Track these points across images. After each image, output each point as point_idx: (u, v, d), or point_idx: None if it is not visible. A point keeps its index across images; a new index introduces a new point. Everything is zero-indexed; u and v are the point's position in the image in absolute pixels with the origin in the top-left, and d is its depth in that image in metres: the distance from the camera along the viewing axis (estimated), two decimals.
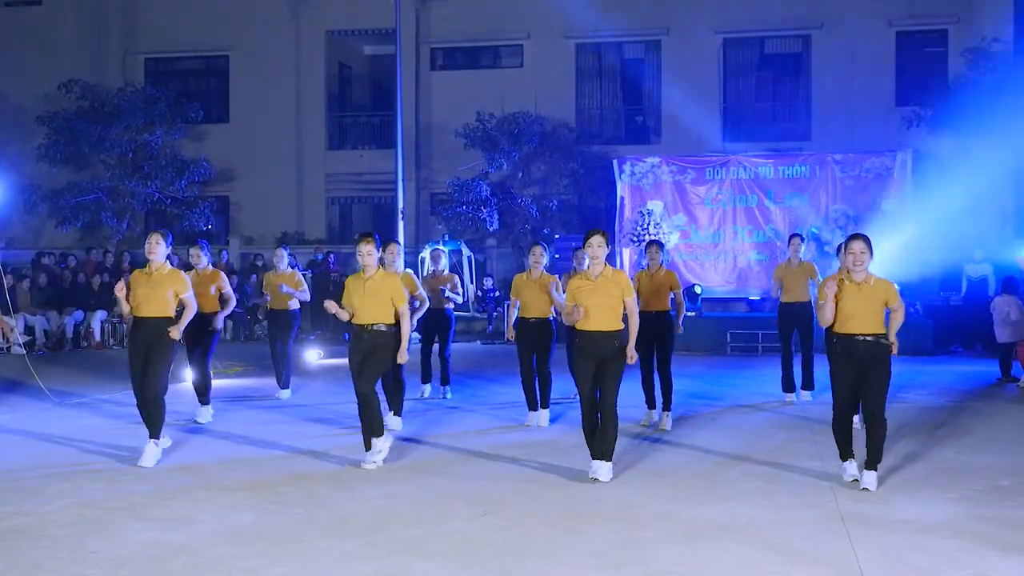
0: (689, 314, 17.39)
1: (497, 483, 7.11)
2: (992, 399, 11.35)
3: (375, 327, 7.69)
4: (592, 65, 24.64)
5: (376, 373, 7.75)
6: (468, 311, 19.55)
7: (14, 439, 8.90)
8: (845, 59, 22.81)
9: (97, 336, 17.56)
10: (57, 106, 22.69)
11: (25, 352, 14.56)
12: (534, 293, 9.58)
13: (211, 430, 9.31)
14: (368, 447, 7.67)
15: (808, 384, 11.09)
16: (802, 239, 11.35)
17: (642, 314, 9.60)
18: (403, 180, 21.73)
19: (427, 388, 11.47)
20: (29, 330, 16.62)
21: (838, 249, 10.05)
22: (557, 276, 9.85)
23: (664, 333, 9.67)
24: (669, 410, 9.56)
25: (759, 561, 5.32)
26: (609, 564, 5.27)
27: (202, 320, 9.62)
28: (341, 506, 6.48)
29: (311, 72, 25.20)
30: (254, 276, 19.17)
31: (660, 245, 10.05)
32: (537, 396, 9.69)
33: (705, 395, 11.62)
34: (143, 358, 7.94)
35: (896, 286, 7.26)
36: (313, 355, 14.99)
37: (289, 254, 11.78)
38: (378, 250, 7.90)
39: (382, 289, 7.70)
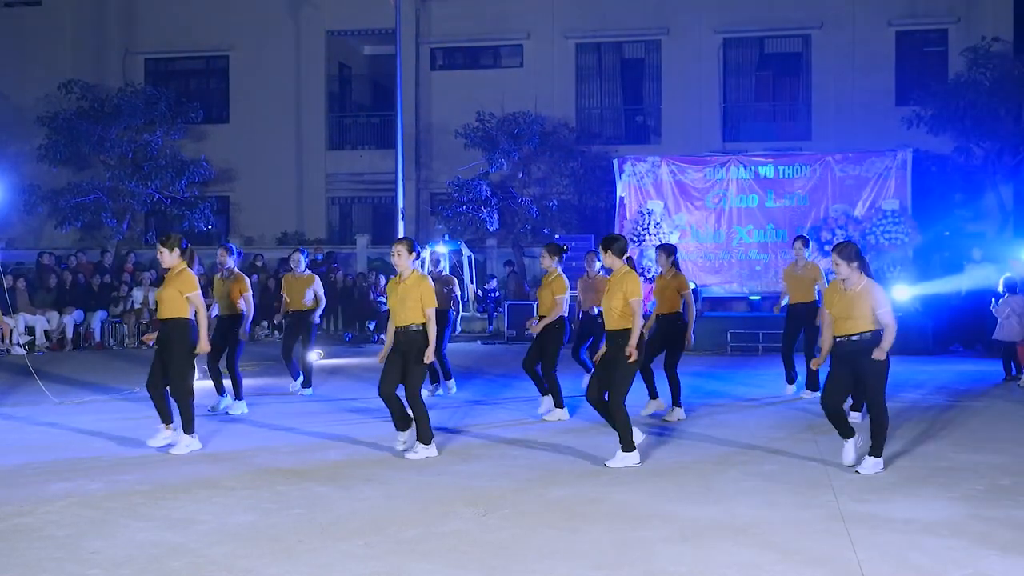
0: None
1: (497, 482, 7.11)
2: (992, 398, 11.33)
3: (410, 327, 7.95)
4: (592, 65, 24.66)
5: (419, 376, 7.99)
6: (469, 311, 19.56)
7: (14, 439, 8.90)
8: (845, 59, 22.84)
9: (97, 336, 17.58)
10: (57, 106, 22.71)
11: (25, 352, 14.57)
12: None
13: (213, 430, 9.31)
14: (411, 437, 8.09)
15: (813, 385, 11.05)
16: (805, 242, 11.35)
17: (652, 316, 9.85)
18: (403, 180, 21.74)
19: (436, 388, 11.52)
20: (29, 330, 16.63)
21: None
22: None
23: (672, 335, 9.82)
24: (679, 404, 9.86)
25: (759, 560, 5.32)
26: (608, 564, 5.27)
27: (229, 323, 10.05)
28: (341, 506, 6.48)
29: (311, 72, 25.22)
30: (255, 276, 19.17)
31: (669, 249, 10.13)
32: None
33: (706, 394, 11.61)
34: (162, 360, 8.20)
35: (880, 291, 7.40)
36: (314, 355, 14.98)
37: (306, 256, 11.84)
38: (412, 253, 8.08)
39: (413, 292, 7.95)
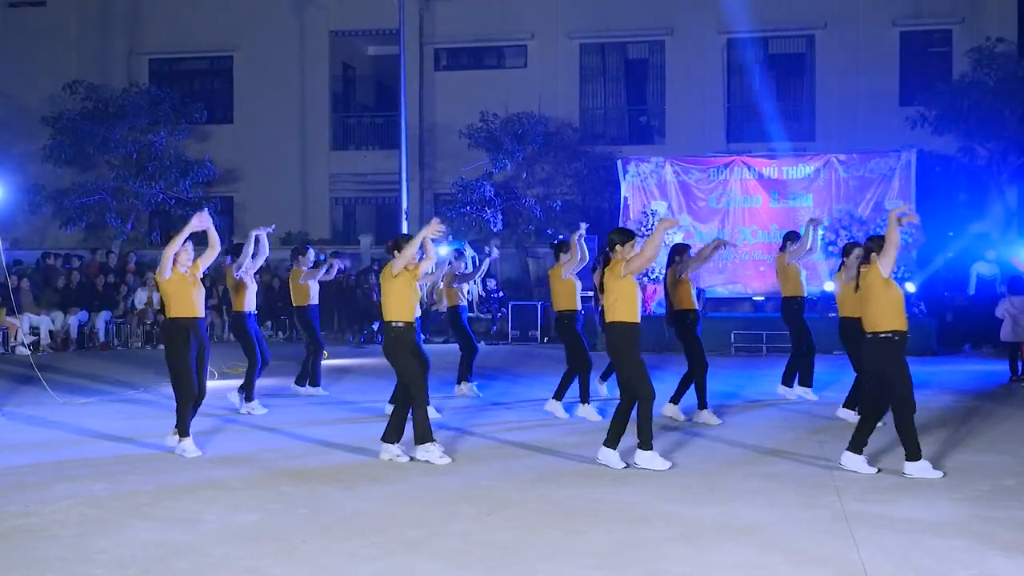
0: None
1: (501, 483, 7.11)
2: (997, 399, 11.32)
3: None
4: (596, 65, 24.65)
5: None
6: (472, 311, 19.56)
7: (19, 439, 8.92)
8: (849, 59, 22.81)
9: (101, 336, 17.59)
10: (62, 107, 22.72)
11: (30, 352, 14.59)
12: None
13: (216, 429, 9.32)
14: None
15: (797, 382, 11.07)
16: (795, 238, 11.17)
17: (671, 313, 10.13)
18: (407, 180, 21.75)
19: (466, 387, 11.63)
20: (34, 330, 16.65)
21: (843, 250, 9.98)
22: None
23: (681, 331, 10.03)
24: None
25: (762, 561, 5.32)
26: (611, 564, 5.27)
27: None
28: (345, 506, 6.49)
29: (315, 72, 25.23)
30: (258, 276, 19.13)
31: (686, 248, 10.19)
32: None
33: (709, 395, 11.56)
34: (201, 359, 8.18)
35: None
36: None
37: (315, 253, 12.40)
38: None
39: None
